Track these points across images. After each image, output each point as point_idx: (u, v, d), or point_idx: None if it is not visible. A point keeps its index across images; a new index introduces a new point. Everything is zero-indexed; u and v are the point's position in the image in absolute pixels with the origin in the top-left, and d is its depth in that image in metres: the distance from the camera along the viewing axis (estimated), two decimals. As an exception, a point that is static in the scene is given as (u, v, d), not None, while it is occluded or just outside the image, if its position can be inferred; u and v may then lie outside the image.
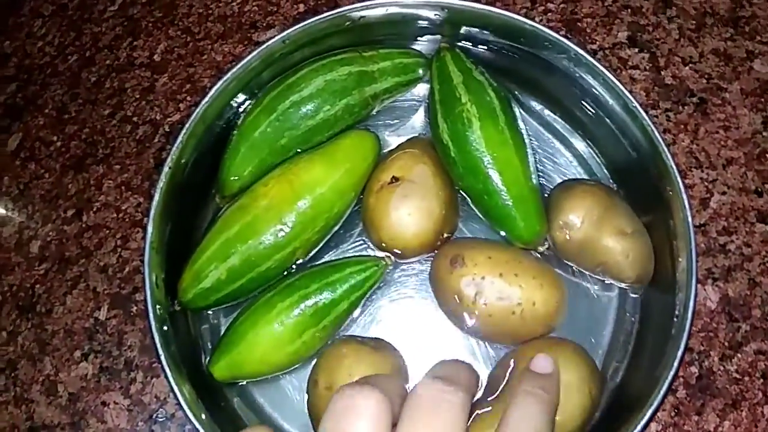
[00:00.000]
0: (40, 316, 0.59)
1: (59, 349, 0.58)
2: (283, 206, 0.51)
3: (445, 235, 0.53)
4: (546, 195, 0.55)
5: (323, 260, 0.55)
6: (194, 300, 0.52)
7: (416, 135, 0.59)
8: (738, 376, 0.54)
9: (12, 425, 0.56)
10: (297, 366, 0.52)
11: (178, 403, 0.53)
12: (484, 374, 0.52)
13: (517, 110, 0.55)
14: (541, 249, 0.52)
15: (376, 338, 0.52)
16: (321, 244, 0.55)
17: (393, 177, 0.53)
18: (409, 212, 0.51)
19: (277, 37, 0.52)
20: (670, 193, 0.48)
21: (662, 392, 0.45)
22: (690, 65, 0.62)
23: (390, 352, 0.51)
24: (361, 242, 0.57)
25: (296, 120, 0.54)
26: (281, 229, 0.51)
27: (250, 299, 0.53)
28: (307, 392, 0.50)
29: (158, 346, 0.47)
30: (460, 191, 0.55)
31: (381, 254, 0.54)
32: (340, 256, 0.56)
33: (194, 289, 0.51)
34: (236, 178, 0.55)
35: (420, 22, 0.56)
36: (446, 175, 0.54)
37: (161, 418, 0.55)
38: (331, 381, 0.47)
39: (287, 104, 0.53)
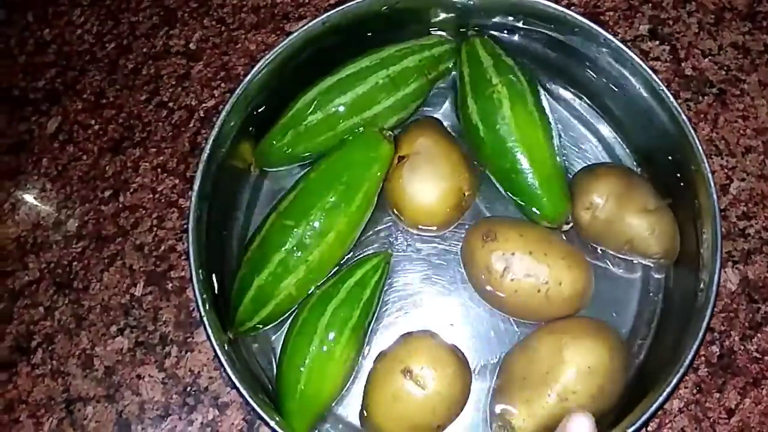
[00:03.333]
0: (77, 292, 0.61)
1: (95, 324, 0.60)
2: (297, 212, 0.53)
3: (465, 194, 0.55)
4: (570, 180, 0.57)
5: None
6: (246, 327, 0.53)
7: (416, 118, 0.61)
8: (758, 356, 0.56)
9: (49, 397, 0.58)
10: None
11: (212, 377, 0.57)
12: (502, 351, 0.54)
13: (544, 96, 0.57)
14: (565, 227, 0.54)
15: (459, 349, 0.53)
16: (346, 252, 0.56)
17: (398, 157, 0.55)
18: (421, 180, 0.54)
19: (317, 19, 0.54)
20: (695, 171, 0.50)
21: (685, 365, 0.47)
22: (709, 57, 0.65)
23: (468, 366, 0.52)
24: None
25: (352, 126, 0.56)
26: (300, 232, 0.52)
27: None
28: (380, 366, 0.51)
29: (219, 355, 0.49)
30: (487, 172, 0.57)
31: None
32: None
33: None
34: (280, 153, 0.57)
35: (451, 8, 0.58)
36: (449, 141, 0.56)
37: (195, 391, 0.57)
38: (427, 383, 0.48)
39: (346, 98, 0.55)
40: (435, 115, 0.61)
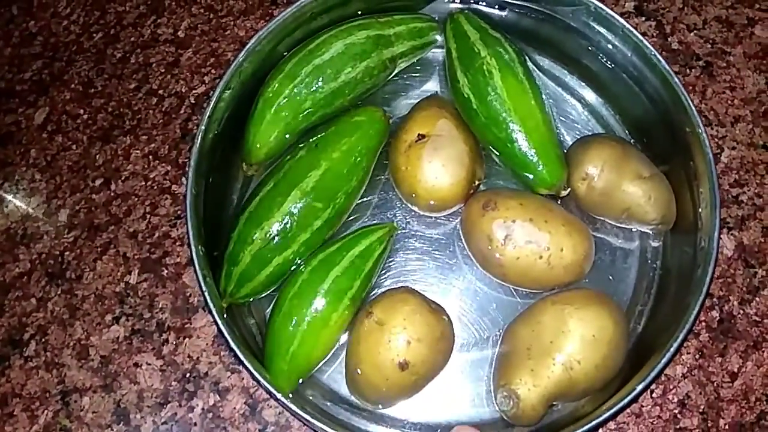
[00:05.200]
0: (69, 282, 0.59)
1: (90, 314, 0.58)
2: (301, 172, 0.53)
3: (477, 183, 0.55)
4: (564, 152, 0.57)
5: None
6: (236, 290, 0.53)
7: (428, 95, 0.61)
8: (757, 319, 0.56)
9: (43, 390, 0.56)
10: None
11: (211, 363, 0.57)
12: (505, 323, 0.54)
13: (533, 68, 0.57)
14: (563, 193, 0.54)
15: (435, 302, 0.53)
16: (348, 213, 0.56)
17: (419, 134, 0.55)
18: (443, 163, 0.53)
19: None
20: (690, 134, 0.51)
21: (690, 322, 0.47)
22: (695, 31, 0.66)
23: (444, 317, 0.52)
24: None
25: (319, 83, 0.56)
26: (305, 193, 0.52)
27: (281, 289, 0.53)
28: (355, 321, 0.52)
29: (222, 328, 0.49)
30: (483, 146, 0.57)
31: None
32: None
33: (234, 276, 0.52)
34: (262, 144, 0.56)
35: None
36: (466, 127, 0.56)
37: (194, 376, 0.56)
38: (385, 319, 0.49)
39: (310, 68, 0.55)
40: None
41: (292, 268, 0.53)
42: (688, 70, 0.64)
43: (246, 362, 0.47)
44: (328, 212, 0.53)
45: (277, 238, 0.52)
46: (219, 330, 0.49)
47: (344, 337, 0.53)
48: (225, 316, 0.50)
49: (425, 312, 0.49)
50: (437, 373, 0.51)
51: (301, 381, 0.52)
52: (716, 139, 0.62)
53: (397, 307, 0.49)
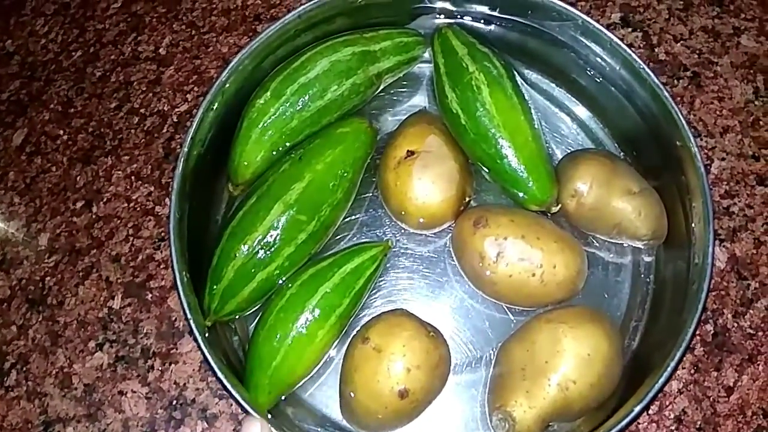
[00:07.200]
0: (51, 308, 0.58)
1: (72, 341, 0.57)
2: (284, 185, 0.52)
3: (467, 200, 0.54)
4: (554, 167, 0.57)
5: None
6: (220, 307, 0.51)
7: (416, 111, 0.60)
8: (752, 332, 0.56)
9: (25, 420, 0.55)
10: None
11: (198, 389, 0.55)
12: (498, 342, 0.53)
13: (521, 82, 0.57)
14: (554, 210, 0.54)
15: (433, 325, 0.51)
16: (334, 227, 0.55)
17: (408, 151, 0.54)
18: (433, 180, 0.52)
19: (293, 12, 0.53)
20: (681, 147, 0.50)
21: (688, 337, 0.46)
22: (681, 42, 0.65)
23: (441, 342, 0.50)
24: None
25: (305, 102, 0.54)
26: (288, 207, 0.51)
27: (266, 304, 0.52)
28: (349, 345, 0.50)
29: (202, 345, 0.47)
30: (472, 162, 0.56)
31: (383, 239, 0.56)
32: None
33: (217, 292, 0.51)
34: (248, 164, 0.55)
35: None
36: (455, 143, 0.56)
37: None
38: (383, 345, 0.47)
39: (295, 87, 0.54)
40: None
41: (278, 284, 0.52)
42: (675, 81, 0.64)
43: (223, 379, 0.46)
44: (313, 225, 0.52)
45: (260, 253, 0.51)
46: (202, 352, 0.48)
47: (328, 356, 0.52)
48: (207, 335, 0.48)
49: (423, 337, 0.48)
50: (434, 398, 0.50)
51: (283, 398, 0.51)
52: (706, 150, 0.61)
53: (395, 333, 0.48)
